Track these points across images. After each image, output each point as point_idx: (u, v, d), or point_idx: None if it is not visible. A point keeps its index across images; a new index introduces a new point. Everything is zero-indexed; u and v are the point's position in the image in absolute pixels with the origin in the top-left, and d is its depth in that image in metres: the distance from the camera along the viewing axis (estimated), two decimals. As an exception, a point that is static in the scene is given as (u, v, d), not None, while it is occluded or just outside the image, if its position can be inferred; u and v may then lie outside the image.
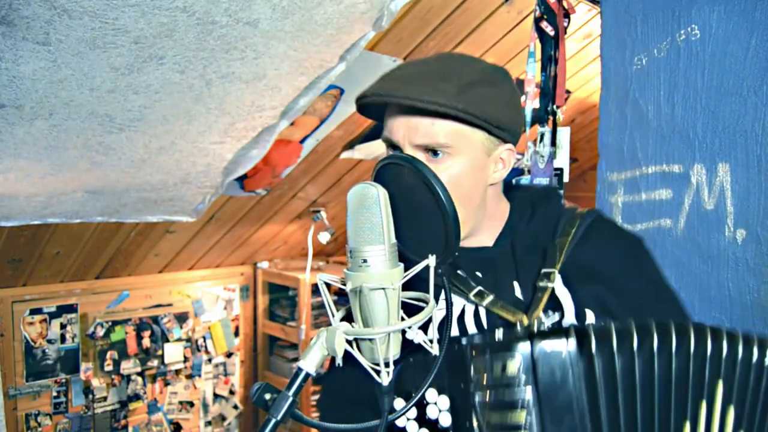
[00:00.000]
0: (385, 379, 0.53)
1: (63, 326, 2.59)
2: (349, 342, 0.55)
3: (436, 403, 0.72)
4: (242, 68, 1.71)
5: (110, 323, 2.74)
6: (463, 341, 0.68)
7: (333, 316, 0.57)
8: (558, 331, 0.67)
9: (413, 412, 0.74)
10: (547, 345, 0.65)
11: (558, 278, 0.76)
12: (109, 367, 2.74)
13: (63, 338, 2.59)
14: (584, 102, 3.08)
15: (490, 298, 0.75)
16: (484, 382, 0.66)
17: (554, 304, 0.75)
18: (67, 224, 2.29)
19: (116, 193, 2.18)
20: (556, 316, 0.73)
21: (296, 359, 3.26)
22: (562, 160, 1.59)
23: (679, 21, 1.25)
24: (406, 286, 0.57)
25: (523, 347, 0.65)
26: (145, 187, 2.21)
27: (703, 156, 1.22)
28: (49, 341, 2.55)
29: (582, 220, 0.81)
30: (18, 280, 2.45)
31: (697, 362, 0.64)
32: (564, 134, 1.61)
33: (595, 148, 1.45)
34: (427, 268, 0.56)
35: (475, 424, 0.67)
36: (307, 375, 0.56)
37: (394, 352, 0.56)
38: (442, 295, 0.75)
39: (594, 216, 0.83)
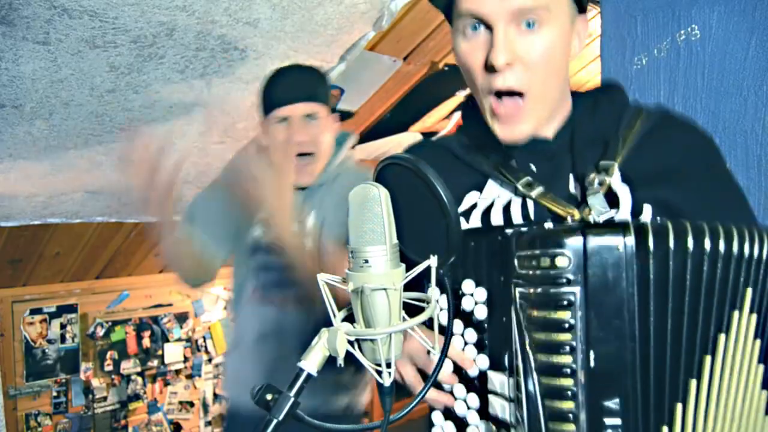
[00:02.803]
0: (387, 379, 0.53)
1: (63, 326, 2.59)
2: (350, 342, 0.55)
3: (472, 295, 0.69)
4: (242, 68, 1.71)
5: (110, 323, 2.74)
6: (508, 231, 0.64)
7: (334, 316, 0.57)
8: (614, 225, 0.62)
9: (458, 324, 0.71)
10: (602, 240, 0.59)
11: (617, 173, 0.71)
12: (109, 367, 2.74)
13: (63, 338, 2.59)
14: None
15: (540, 189, 0.70)
16: (528, 276, 0.61)
17: (610, 200, 0.69)
18: (67, 224, 2.29)
19: (116, 193, 2.19)
20: (612, 212, 0.67)
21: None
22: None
23: (679, 21, 1.26)
24: (408, 287, 0.57)
25: (575, 241, 0.59)
26: (145, 187, 2.21)
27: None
28: (49, 341, 2.55)
29: (648, 114, 0.76)
30: (18, 280, 2.45)
31: (737, 268, 0.61)
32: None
33: (596, 148, 1.45)
34: (429, 268, 0.56)
35: (513, 318, 0.63)
36: (309, 375, 0.56)
37: (396, 352, 0.56)
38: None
39: (661, 111, 0.78)
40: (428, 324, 0.61)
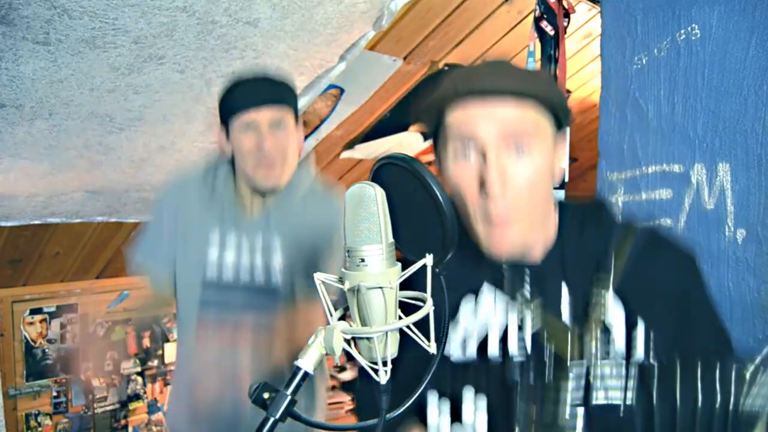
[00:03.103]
0: (383, 377, 0.53)
1: (63, 326, 2.59)
2: (347, 341, 0.55)
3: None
4: (242, 68, 1.71)
5: (110, 323, 2.74)
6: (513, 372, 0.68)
7: (331, 315, 0.57)
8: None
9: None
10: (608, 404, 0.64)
11: (612, 302, 0.73)
12: (109, 367, 2.74)
13: (63, 338, 2.59)
14: (584, 102, 3.08)
15: (537, 310, 0.73)
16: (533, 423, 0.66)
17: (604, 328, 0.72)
18: (67, 224, 2.29)
19: (116, 193, 2.19)
20: (603, 337, 0.71)
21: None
22: (563, 160, 1.59)
23: (679, 20, 1.25)
24: (404, 286, 0.57)
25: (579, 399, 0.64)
26: (145, 186, 2.21)
27: (703, 156, 1.22)
28: (49, 341, 2.56)
29: (635, 234, 0.77)
30: (18, 280, 2.45)
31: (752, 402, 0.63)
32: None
33: (595, 148, 1.45)
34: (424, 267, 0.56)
35: None
36: (306, 374, 0.56)
37: (392, 350, 0.56)
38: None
39: (648, 230, 0.79)
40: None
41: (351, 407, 3.33)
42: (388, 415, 0.53)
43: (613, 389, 0.66)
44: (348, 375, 3.16)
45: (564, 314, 0.75)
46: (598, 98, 1.46)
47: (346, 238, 0.54)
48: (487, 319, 0.77)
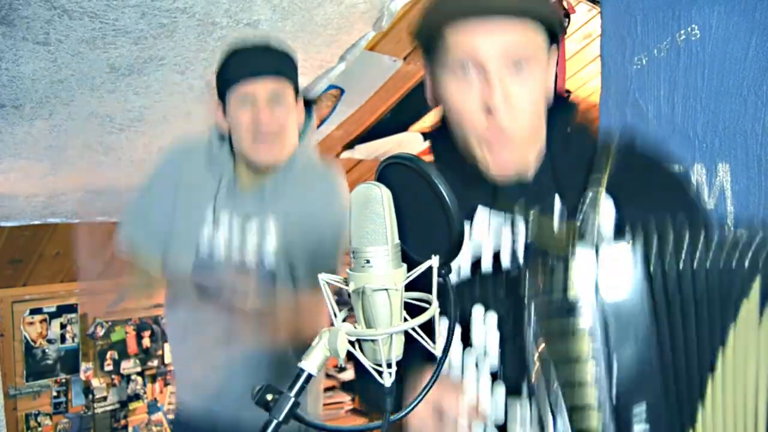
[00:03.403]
0: (387, 380, 0.53)
1: (63, 326, 2.59)
2: (351, 343, 0.55)
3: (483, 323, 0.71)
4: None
5: (110, 323, 2.74)
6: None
7: (335, 316, 0.57)
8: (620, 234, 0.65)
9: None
10: (610, 250, 0.62)
11: (608, 203, 0.73)
12: (109, 367, 2.74)
13: (63, 338, 2.59)
14: (584, 102, 3.08)
15: (533, 218, 0.72)
16: (548, 327, 0.63)
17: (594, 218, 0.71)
18: (67, 224, 2.29)
19: (116, 193, 2.18)
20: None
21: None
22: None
23: (679, 21, 1.26)
24: (409, 287, 0.57)
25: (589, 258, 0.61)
26: (146, 187, 2.21)
27: (703, 156, 1.22)
28: (49, 341, 2.55)
29: (615, 144, 0.78)
30: (18, 280, 2.45)
31: (742, 261, 0.62)
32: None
33: (595, 148, 1.45)
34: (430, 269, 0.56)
35: (530, 332, 0.64)
36: (309, 376, 0.56)
37: (397, 353, 0.56)
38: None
39: (627, 140, 0.81)
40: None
41: (351, 407, 3.33)
42: (393, 417, 0.53)
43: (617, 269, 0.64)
44: (348, 375, 3.16)
45: (555, 222, 0.74)
46: (598, 98, 1.47)
47: (352, 239, 0.54)
48: (480, 240, 0.77)
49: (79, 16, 1.29)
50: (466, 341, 0.73)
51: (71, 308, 2.62)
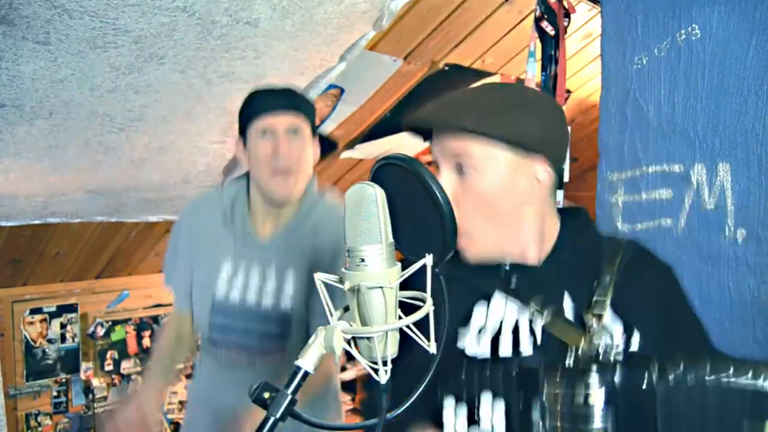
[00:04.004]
0: (383, 377, 0.53)
1: (63, 326, 2.59)
2: (347, 340, 0.55)
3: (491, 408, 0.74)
4: (242, 68, 1.71)
5: (110, 323, 2.74)
6: (532, 361, 0.71)
7: (331, 314, 0.57)
8: (639, 360, 0.68)
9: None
10: (630, 376, 0.66)
11: (610, 315, 0.78)
12: (109, 367, 2.74)
13: (63, 338, 2.59)
14: (584, 102, 3.08)
15: (549, 318, 0.78)
16: (558, 408, 0.67)
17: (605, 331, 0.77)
18: (67, 224, 2.29)
19: (116, 193, 2.19)
20: (618, 341, 0.75)
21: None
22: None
23: (679, 21, 1.25)
24: (404, 286, 0.57)
25: (605, 378, 0.65)
26: (145, 187, 2.21)
27: (703, 156, 1.22)
28: (49, 341, 2.56)
29: (622, 248, 0.84)
30: (18, 280, 2.46)
31: (746, 400, 0.65)
32: (564, 134, 1.61)
33: (595, 148, 1.45)
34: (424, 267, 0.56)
35: None
36: (306, 373, 0.56)
37: (392, 350, 0.56)
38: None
39: (633, 246, 0.86)
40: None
41: (351, 407, 3.33)
42: (389, 414, 0.53)
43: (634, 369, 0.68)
44: (348, 375, 3.16)
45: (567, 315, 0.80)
46: (598, 98, 1.46)
47: (346, 238, 0.54)
48: (498, 318, 0.82)
49: (79, 15, 1.29)
50: (472, 419, 0.76)
51: (71, 308, 2.62)
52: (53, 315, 2.57)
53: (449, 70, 2.29)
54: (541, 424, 0.67)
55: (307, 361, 0.55)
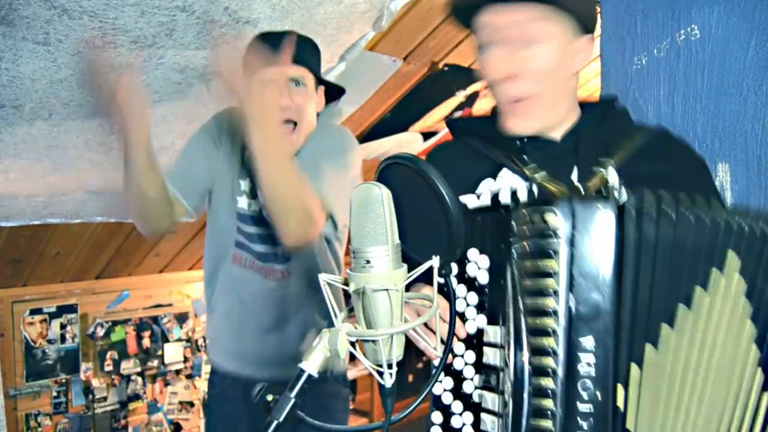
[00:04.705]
0: (388, 380, 0.53)
1: (63, 326, 2.59)
2: (352, 343, 0.55)
3: (476, 262, 0.79)
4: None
5: (110, 323, 2.74)
6: (510, 205, 0.75)
7: (336, 317, 0.57)
8: (598, 194, 0.73)
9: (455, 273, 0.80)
10: (587, 204, 0.68)
11: (614, 174, 0.81)
12: (109, 367, 2.74)
13: (63, 338, 2.59)
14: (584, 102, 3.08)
15: (543, 173, 0.82)
16: (522, 231, 0.70)
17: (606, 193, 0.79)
18: (67, 224, 2.28)
19: (116, 193, 2.18)
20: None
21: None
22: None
23: (679, 21, 1.26)
24: (410, 287, 0.57)
25: (564, 203, 0.68)
26: (145, 187, 2.20)
27: (703, 156, 1.22)
28: (49, 341, 2.55)
29: (648, 130, 0.88)
30: (18, 280, 2.45)
31: (712, 232, 0.68)
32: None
33: (596, 148, 1.45)
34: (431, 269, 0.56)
35: (508, 272, 0.71)
36: (309, 376, 0.56)
37: (398, 353, 0.56)
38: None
39: (660, 130, 0.89)
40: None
41: (351, 407, 3.33)
42: (394, 417, 0.53)
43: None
44: (348, 375, 3.16)
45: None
46: (598, 98, 1.46)
47: (352, 239, 0.54)
48: (503, 182, 0.87)
49: (79, 15, 1.29)
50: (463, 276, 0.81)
51: (71, 308, 2.61)
52: (53, 315, 2.56)
53: (449, 70, 2.29)
54: (511, 252, 0.71)
55: (311, 364, 0.55)
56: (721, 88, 1.19)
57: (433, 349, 0.55)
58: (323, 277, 0.57)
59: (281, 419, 0.55)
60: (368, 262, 0.53)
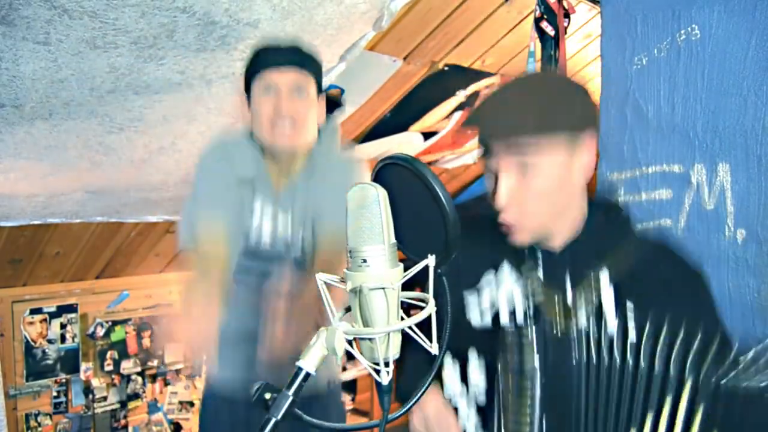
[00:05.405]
0: (385, 378, 0.53)
1: (63, 326, 2.59)
2: (349, 341, 0.55)
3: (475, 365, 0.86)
4: (243, 69, 1.71)
5: (110, 323, 2.74)
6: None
7: (333, 315, 0.57)
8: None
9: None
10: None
11: (610, 291, 0.83)
12: (109, 367, 2.74)
13: (63, 338, 2.59)
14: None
15: (541, 297, 0.85)
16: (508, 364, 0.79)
17: (598, 311, 0.83)
18: (67, 224, 2.29)
19: (116, 193, 2.19)
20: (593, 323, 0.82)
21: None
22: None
23: (679, 21, 1.26)
24: (406, 287, 0.57)
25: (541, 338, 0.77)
26: (145, 187, 2.21)
27: (703, 156, 1.22)
28: (49, 341, 2.56)
29: (646, 245, 0.89)
30: (18, 280, 2.45)
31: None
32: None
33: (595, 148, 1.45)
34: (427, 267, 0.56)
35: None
36: (307, 374, 0.56)
37: (394, 351, 0.56)
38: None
39: (660, 244, 0.90)
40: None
41: (351, 407, 3.33)
42: (391, 415, 0.53)
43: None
44: (348, 375, 3.16)
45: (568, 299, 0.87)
46: (598, 99, 1.46)
47: (348, 239, 0.54)
48: (504, 293, 0.90)
49: (79, 15, 1.29)
50: (465, 377, 0.88)
51: (71, 308, 2.62)
52: (53, 315, 2.56)
53: (449, 70, 2.29)
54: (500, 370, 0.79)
55: (309, 362, 0.55)
56: (721, 88, 1.19)
57: (429, 347, 0.55)
58: (320, 277, 0.57)
59: (279, 417, 0.55)
60: (365, 261, 0.53)
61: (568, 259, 0.88)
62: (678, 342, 0.76)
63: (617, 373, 0.76)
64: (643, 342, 0.75)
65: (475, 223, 0.93)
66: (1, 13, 1.22)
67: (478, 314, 0.89)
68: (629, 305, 0.82)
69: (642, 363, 0.75)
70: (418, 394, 0.54)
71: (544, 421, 0.76)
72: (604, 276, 0.84)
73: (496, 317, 0.88)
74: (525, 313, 0.86)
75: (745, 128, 1.15)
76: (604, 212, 0.93)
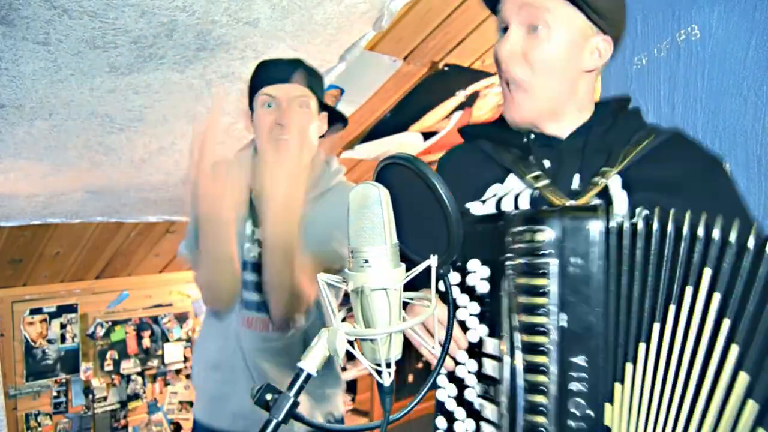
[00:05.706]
0: (387, 379, 0.53)
1: (63, 326, 2.59)
2: (350, 342, 0.55)
3: (476, 272, 0.80)
4: (242, 68, 1.71)
5: (110, 323, 2.74)
6: (508, 214, 0.76)
7: (334, 316, 0.57)
8: (588, 208, 0.73)
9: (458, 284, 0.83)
10: (576, 221, 0.70)
11: (617, 179, 0.80)
12: (109, 367, 2.74)
13: (63, 338, 2.59)
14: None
15: (545, 182, 0.81)
16: (516, 249, 0.72)
17: (606, 201, 0.79)
18: (67, 224, 2.29)
19: (116, 193, 2.18)
20: (597, 202, 0.78)
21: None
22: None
23: (679, 21, 1.26)
24: (408, 287, 0.57)
25: (554, 220, 0.71)
26: (145, 187, 2.21)
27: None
28: (49, 341, 2.55)
29: (658, 134, 0.85)
30: (18, 280, 2.45)
31: (686, 247, 0.67)
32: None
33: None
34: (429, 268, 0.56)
35: (504, 287, 0.74)
36: (308, 375, 0.56)
37: (396, 352, 0.56)
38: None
39: (672, 132, 0.87)
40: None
41: (351, 407, 3.33)
42: (393, 416, 0.53)
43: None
44: (348, 375, 3.16)
45: (574, 186, 0.84)
46: (598, 98, 1.46)
47: (350, 239, 0.54)
48: (508, 187, 0.88)
49: (79, 15, 1.29)
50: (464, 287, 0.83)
51: (71, 308, 2.62)
52: (53, 315, 2.56)
53: (449, 70, 2.29)
54: (506, 265, 0.73)
55: (310, 363, 0.55)
56: (721, 88, 1.19)
57: (431, 349, 0.55)
58: (322, 277, 0.57)
59: (281, 418, 0.54)
60: (366, 261, 0.53)
61: (576, 146, 0.86)
62: (696, 230, 0.67)
63: (627, 261, 0.69)
64: (654, 231, 0.68)
65: (484, 137, 0.93)
66: (1, 13, 1.22)
67: (480, 204, 0.86)
68: (638, 192, 0.78)
69: (652, 253, 0.68)
70: (419, 396, 0.54)
71: (564, 323, 0.68)
72: (613, 162, 0.81)
73: (498, 206, 0.85)
74: (531, 199, 0.82)
75: (745, 128, 1.15)
76: (611, 108, 0.91)
